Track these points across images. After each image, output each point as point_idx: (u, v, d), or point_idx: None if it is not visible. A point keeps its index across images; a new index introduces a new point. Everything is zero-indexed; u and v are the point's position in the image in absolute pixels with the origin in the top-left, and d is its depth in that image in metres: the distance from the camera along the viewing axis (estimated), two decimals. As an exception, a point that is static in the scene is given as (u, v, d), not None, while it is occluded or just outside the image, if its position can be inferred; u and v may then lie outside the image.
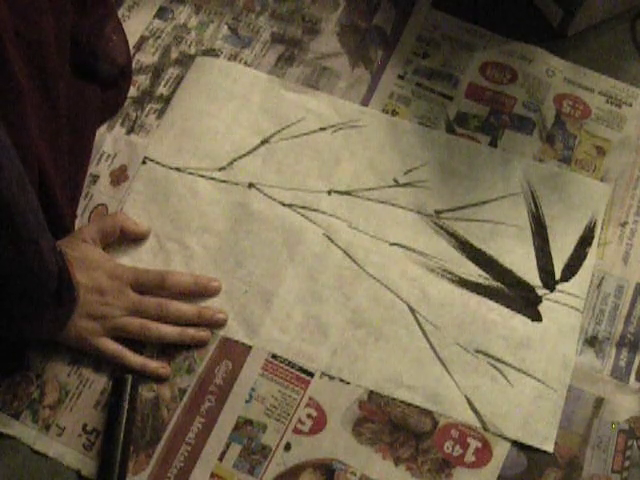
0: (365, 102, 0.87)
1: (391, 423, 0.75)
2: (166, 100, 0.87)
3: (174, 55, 0.89)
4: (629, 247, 0.82)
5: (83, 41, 0.80)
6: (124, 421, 0.72)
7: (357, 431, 0.74)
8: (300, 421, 0.74)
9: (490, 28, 0.91)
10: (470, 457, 0.74)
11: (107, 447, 0.72)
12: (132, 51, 0.89)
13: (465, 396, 0.75)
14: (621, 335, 0.78)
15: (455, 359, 0.76)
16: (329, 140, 0.85)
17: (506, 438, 0.74)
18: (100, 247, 0.77)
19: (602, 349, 0.78)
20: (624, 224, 0.83)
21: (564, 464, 0.74)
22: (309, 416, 0.75)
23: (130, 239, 0.79)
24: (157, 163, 0.83)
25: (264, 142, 0.85)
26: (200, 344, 0.76)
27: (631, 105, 0.88)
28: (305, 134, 0.85)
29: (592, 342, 0.78)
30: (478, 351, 0.77)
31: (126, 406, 0.73)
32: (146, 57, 0.89)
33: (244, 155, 0.84)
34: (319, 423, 0.74)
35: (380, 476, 0.73)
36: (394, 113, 0.87)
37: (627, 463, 0.74)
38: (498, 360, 0.76)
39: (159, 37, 0.90)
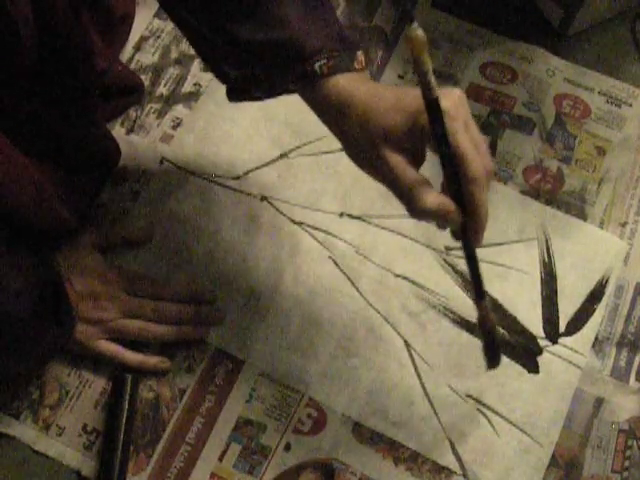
0: (365, 102, 0.87)
1: (391, 423, 0.74)
2: (166, 100, 0.87)
3: (174, 55, 0.89)
4: (629, 247, 0.82)
5: None
6: (124, 421, 0.72)
7: (357, 431, 0.74)
8: (300, 421, 0.74)
9: (490, 28, 0.91)
10: (470, 457, 0.74)
11: (107, 447, 0.72)
12: (132, 51, 0.89)
13: (449, 440, 0.73)
14: (621, 335, 0.78)
15: (444, 401, 0.75)
16: (348, 162, 0.83)
17: None
18: (98, 251, 0.77)
19: (602, 349, 0.78)
20: (624, 224, 0.83)
21: (564, 464, 0.74)
22: (309, 416, 0.75)
23: (133, 245, 0.80)
24: (174, 165, 0.83)
25: (283, 156, 0.84)
26: (198, 340, 0.76)
27: (631, 105, 0.88)
28: (325, 153, 0.83)
29: (592, 342, 0.78)
30: (469, 396, 0.75)
31: (126, 406, 0.73)
32: (146, 57, 0.89)
33: (261, 166, 0.83)
34: (319, 423, 0.74)
35: (380, 476, 0.73)
36: (394, 113, 0.87)
37: (627, 463, 0.74)
38: (488, 407, 0.75)
39: (159, 37, 0.90)
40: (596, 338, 0.78)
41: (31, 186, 0.67)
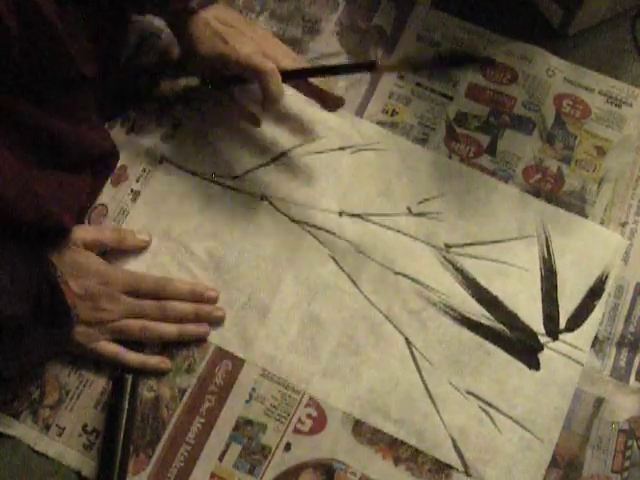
0: (365, 102, 0.87)
1: (391, 423, 0.74)
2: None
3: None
4: (629, 247, 0.82)
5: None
6: (124, 421, 0.72)
7: (357, 431, 0.74)
8: (300, 421, 0.74)
9: (490, 28, 0.91)
10: (470, 457, 0.74)
11: (107, 447, 0.72)
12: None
13: (451, 437, 0.74)
14: (621, 335, 0.78)
15: (445, 398, 0.75)
16: (347, 160, 0.83)
17: None
18: (98, 252, 0.77)
19: (602, 349, 0.78)
20: (624, 224, 0.83)
21: (564, 464, 0.74)
22: (309, 416, 0.75)
23: (129, 251, 0.79)
24: (174, 164, 0.83)
25: (282, 155, 0.84)
26: (200, 339, 0.76)
27: (631, 105, 0.88)
28: (324, 152, 0.83)
29: (592, 342, 0.78)
30: (469, 392, 0.75)
31: (126, 406, 0.73)
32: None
33: (260, 166, 0.83)
34: (319, 423, 0.74)
35: (380, 476, 0.73)
36: (394, 113, 0.87)
37: (627, 463, 0.74)
38: (489, 404, 0.75)
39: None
40: (596, 338, 0.78)
41: (16, 180, 0.66)
